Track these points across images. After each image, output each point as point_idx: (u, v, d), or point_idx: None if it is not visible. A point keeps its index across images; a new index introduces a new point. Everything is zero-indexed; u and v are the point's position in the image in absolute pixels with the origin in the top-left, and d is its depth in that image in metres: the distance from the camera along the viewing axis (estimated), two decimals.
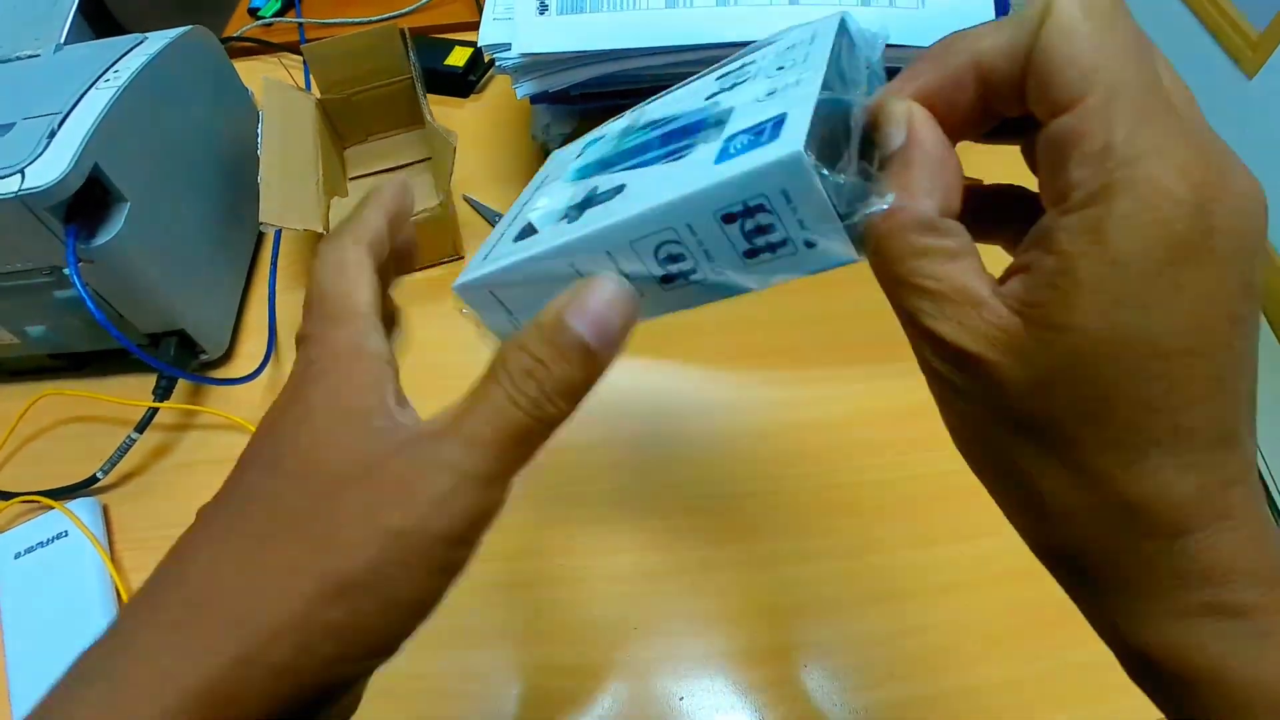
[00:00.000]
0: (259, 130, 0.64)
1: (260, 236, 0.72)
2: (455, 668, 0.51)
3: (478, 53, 0.84)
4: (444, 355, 0.65)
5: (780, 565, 0.55)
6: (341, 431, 0.24)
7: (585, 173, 0.30)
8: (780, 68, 0.26)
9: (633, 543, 0.55)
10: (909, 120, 0.22)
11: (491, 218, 0.71)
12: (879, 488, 0.58)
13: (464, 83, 0.84)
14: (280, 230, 0.66)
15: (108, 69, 0.57)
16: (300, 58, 0.85)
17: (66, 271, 0.52)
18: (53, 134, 0.52)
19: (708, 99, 0.28)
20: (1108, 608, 0.23)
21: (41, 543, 0.58)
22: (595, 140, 0.34)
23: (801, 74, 0.24)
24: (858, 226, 0.22)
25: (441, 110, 0.83)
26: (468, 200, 0.72)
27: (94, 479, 0.59)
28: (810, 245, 0.23)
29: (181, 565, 0.24)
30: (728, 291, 0.26)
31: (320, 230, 0.61)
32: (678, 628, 0.53)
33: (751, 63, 0.29)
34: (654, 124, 0.30)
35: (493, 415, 0.24)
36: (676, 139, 0.27)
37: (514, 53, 0.57)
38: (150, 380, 0.61)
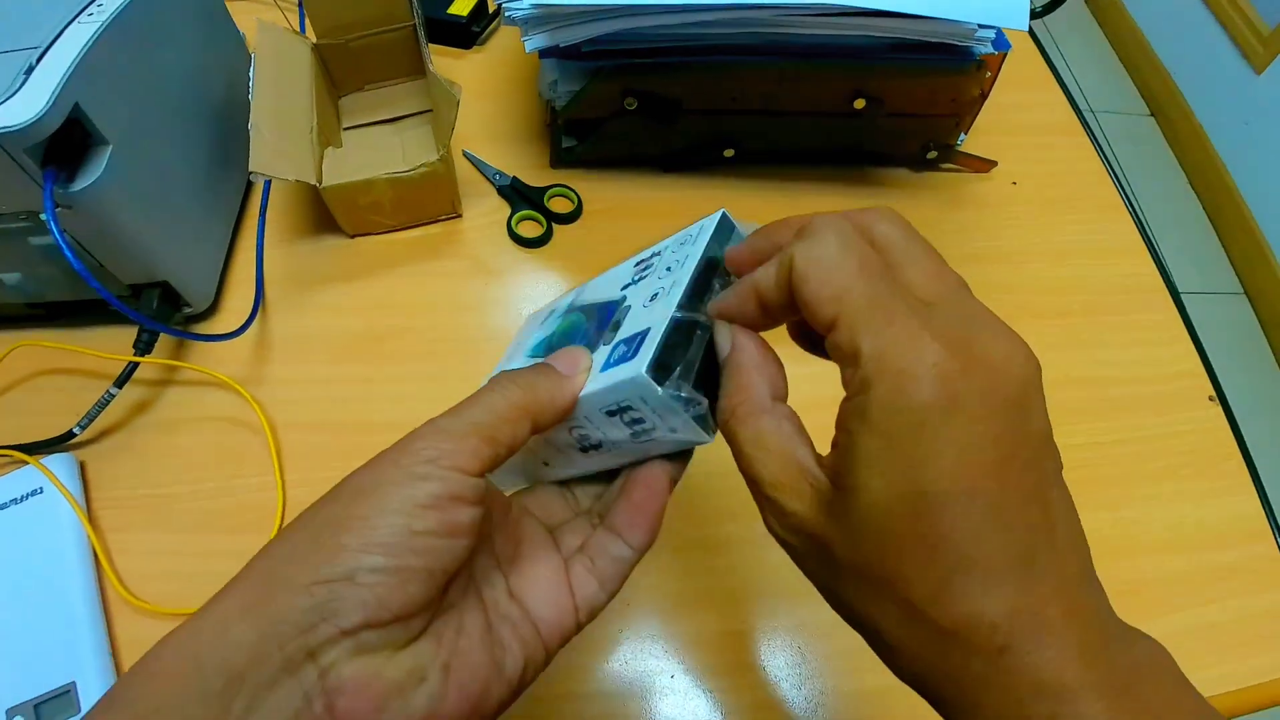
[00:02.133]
0: (250, 74, 0.60)
1: (249, 186, 0.68)
2: None
3: (482, 2, 0.81)
4: (435, 316, 0.63)
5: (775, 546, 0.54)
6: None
7: (536, 351, 0.39)
8: (668, 268, 0.33)
9: None
10: (731, 337, 0.29)
11: (491, 175, 0.68)
12: None
13: (467, 33, 0.80)
14: (270, 181, 0.64)
15: (91, 2, 0.53)
16: (296, 0, 0.81)
17: (44, 217, 0.49)
18: (30, 69, 0.48)
19: (622, 288, 0.35)
20: None
21: (15, 499, 0.56)
22: (551, 313, 0.42)
23: (673, 283, 0.31)
24: (705, 417, 0.30)
25: (442, 62, 0.79)
26: (467, 156, 0.70)
27: (71, 434, 0.57)
28: (673, 431, 0.30)
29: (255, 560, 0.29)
30: (635, 455, 0.34)
31: (313, 182, 0.58)
32: (669, 606, 0.51)
33: (658, 253, 0.36)
34: (584, 308, 0.38)
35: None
36: (592, 331, 0.35)
37: (525, 3, 0.54)
38: (131, 333, 0.58)
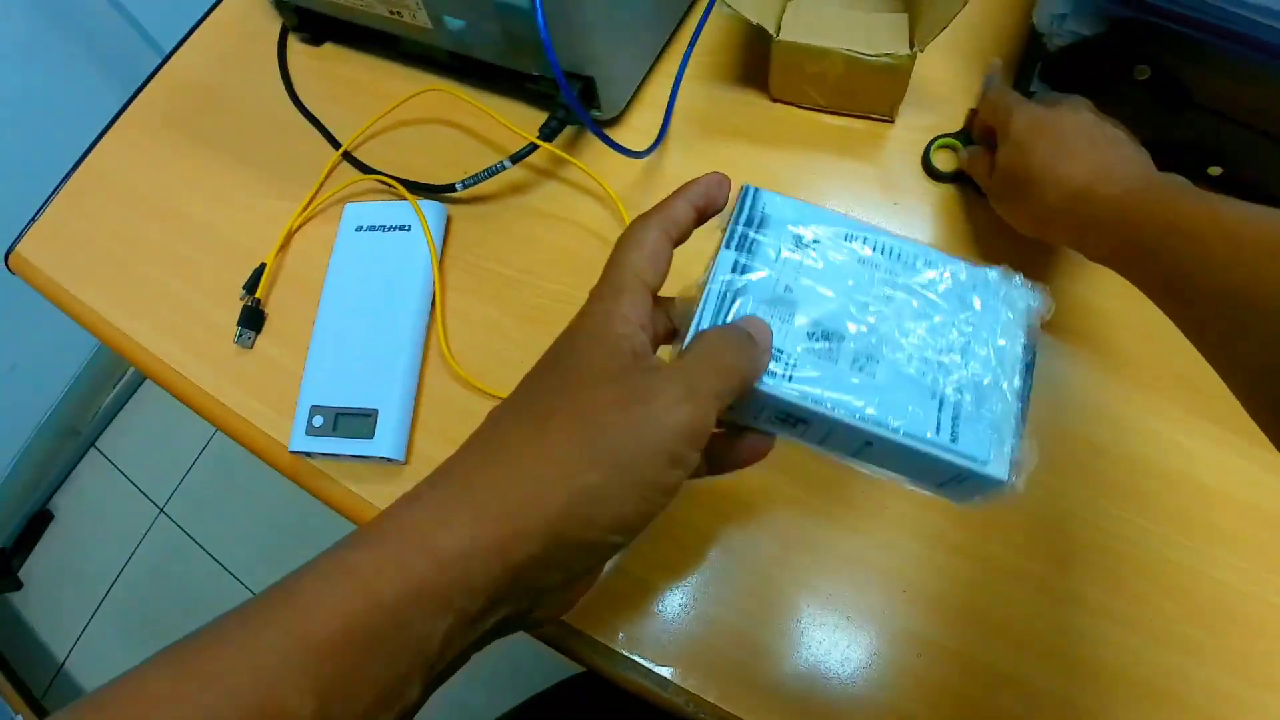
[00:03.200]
0: None
1: (688, 12, 0.65)
2: None
3: None
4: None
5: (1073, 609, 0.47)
6: (601, 353, 0.30)
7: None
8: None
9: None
10: None
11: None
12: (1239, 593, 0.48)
13: None
14: (711, 10, 0.60)
15: None
16: None
17: None
18: None
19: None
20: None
21: (385, 226, 0.58)
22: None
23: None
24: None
25: None
26: None
27: (452, 188, 0.58)
28: (979, 494, 0.34)
29: (492, 433, 0.30)
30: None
31: (772, 30, 0.54)
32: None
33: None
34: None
35: (711, 359, 0.31)
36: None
37: None
38: (534, 117, 0.58)
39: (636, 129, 0.61)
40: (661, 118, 0.58)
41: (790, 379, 0.33)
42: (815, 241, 0.36)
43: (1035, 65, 0.59)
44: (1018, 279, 0.36)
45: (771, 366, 0.33)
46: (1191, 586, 0.46)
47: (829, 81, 0.57)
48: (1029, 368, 0.35)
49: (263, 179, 0.65)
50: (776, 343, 0.33)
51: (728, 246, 0.35)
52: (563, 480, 0.27)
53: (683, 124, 0.61)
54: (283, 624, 0.24)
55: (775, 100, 0.61)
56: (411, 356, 0.54)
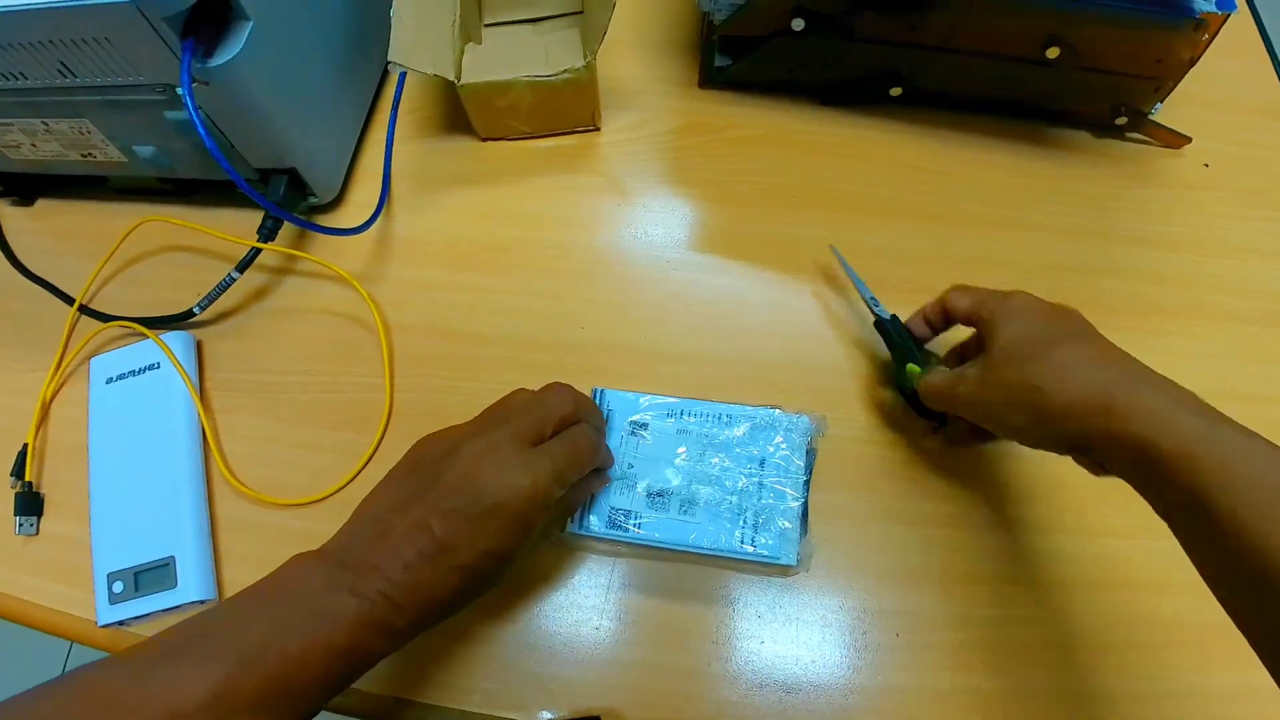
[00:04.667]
0: None
1: (384, 78, 0.66)
2: None
3: None
4: (560, 232, 0.60)
5: (882, 521, 0.52)
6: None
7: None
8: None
9: None
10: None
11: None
12: (1014, 460, 0.53)
13: None
14: (406, 73, 0.61)
15: None
16: None
17: (180, 90, 0.47)
18: None
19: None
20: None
21: (134, 371, 0.57)
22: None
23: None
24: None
25: None
26: None
27: (190, 313, 0.57)
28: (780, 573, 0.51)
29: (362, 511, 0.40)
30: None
31: (451, 78, 0.55)
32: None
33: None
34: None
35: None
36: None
37: None
38: (256, 218, 0.57)
39: (359, 203, 0.62)
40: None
41: (640, 528, 0.49)
42: (645, 425, 0.52)
43: (713, 43, 0.63)
44: (796, 416, 0.52)
45: (628, 523, 0.49)
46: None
47: (524, 109, 0.59)
48: (807, 483, 0.50)
49: (4, 355, 0.62)
50: (626, 505, 0.50)
51: None
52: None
53: (405, 185, 0.62)
54: None
55: (486, 139, 0.63)
56: (195, 493, 0.54)
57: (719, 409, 0.52)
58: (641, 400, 0.52)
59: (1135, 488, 0.38)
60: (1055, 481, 0.52)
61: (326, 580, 0.37)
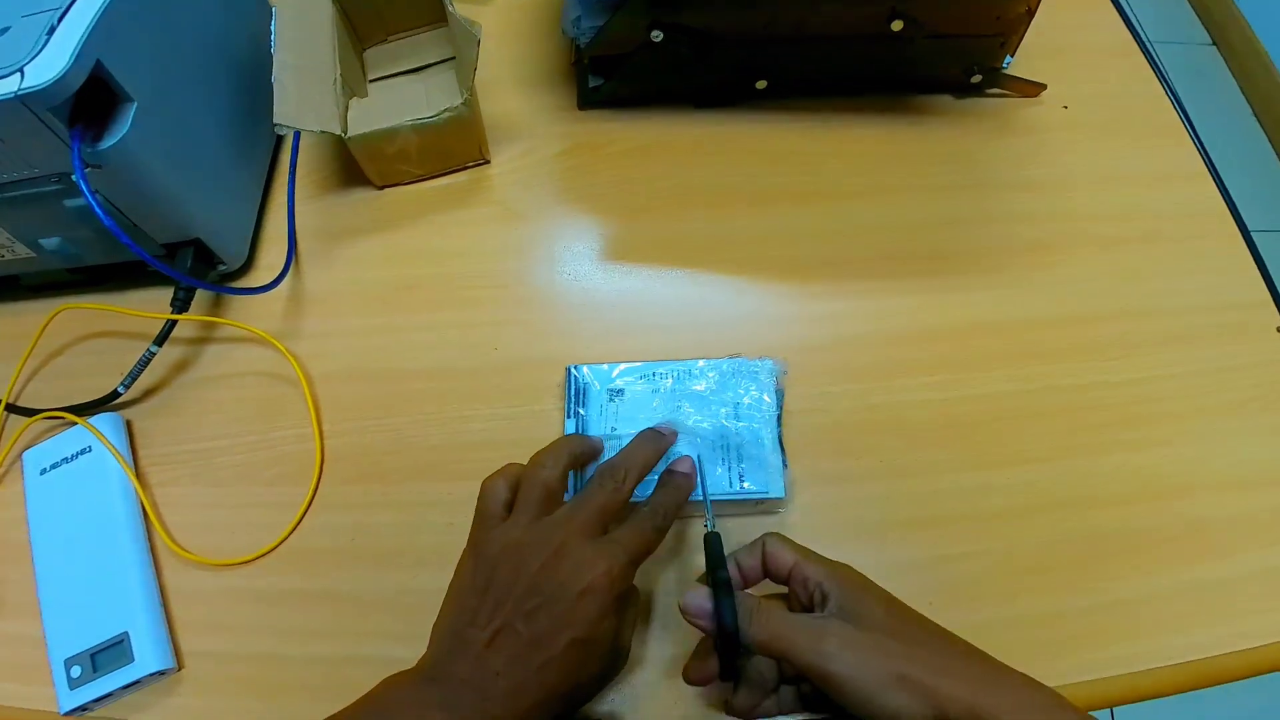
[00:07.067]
0: (272, 28, 0.60)
1: (279, 143, 0.68)
2: None
3: None
4: (465, 263, 0.62)
5: (819, 485, 0.54)
6: None
7: None
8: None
9: None
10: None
11: None
12: (926, 408, 0.55)
13: None
14: (299, 134, 0.63)
15: None
16: None
17: (74, 177, 0.49)
18: (52, 30, 0.48)
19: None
20: None
21: (66, 458, 0.57)
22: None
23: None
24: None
25: (464, 8, 0.77)
26: None
27: (115, 394, 0.58)
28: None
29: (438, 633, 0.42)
30: None
31: (337, 132, 0.58)
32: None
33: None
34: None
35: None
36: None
37: None
38: (169, 293, 0.59)
39: (269, 266, 0.63)
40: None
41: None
42: (620, 391, 0.55)
43: (585, 66, 0.66)
44: (760, 360, 0.55)
45: None
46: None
47: (414, 153, 0.61)
48: (779, 418, 0.54)
49: None
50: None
51: (569, 418, 0.55)
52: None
53: (311, 241, 0.64)
54: None
55: (383, 187, 0.65)
56: (140, 566, 0.54)
57: (687, 365, 0.55)
58: (614, 371, 0.55)
59: None
60: (973, 420, 0.55)
61: (417, 697, 0.38)
